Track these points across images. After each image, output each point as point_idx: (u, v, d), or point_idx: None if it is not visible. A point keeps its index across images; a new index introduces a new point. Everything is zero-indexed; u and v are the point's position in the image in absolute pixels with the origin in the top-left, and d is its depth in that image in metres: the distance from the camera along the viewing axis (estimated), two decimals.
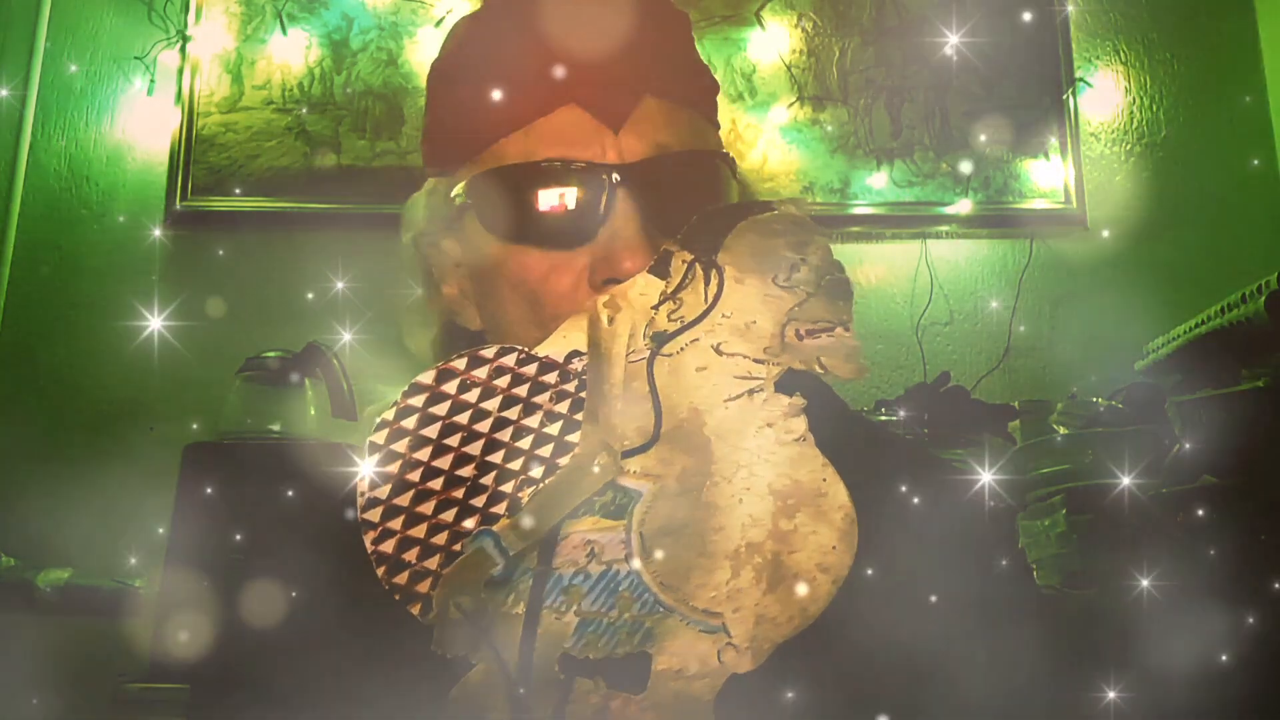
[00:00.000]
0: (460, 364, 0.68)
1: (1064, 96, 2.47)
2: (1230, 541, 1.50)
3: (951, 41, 2.47)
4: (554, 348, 0.70)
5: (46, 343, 2.29)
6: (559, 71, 0.83)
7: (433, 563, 0.65)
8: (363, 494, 0.66)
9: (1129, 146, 2.50)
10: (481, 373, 0.68)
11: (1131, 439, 1.82)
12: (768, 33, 2.50)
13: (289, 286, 2.30)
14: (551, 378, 0.68)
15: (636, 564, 0.65)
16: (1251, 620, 1.41)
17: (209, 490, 1.80)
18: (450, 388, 0.67)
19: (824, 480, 0.67)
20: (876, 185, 2.44)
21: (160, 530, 1.85)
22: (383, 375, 0.65)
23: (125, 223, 2.37)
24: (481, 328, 0.90)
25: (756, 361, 0.69)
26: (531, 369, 0.68)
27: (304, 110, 2.41)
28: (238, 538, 1.63)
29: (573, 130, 0.83)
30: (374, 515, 0.65)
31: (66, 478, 2.17)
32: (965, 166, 2.43)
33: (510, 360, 0.68)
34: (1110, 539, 1.65)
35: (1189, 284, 2.24)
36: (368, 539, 0.65)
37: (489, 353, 0.68)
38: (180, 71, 2.41)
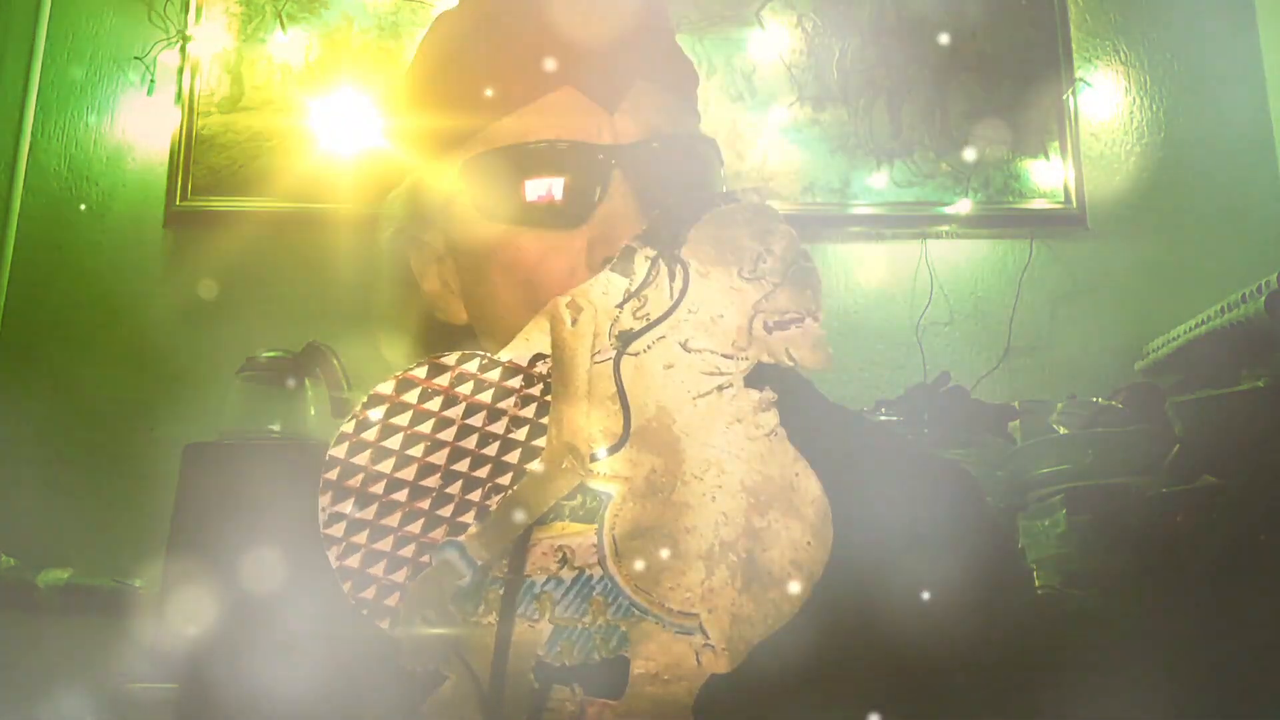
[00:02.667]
0: (420, 372, 0.67)
1: (1064, 96, 2.46)
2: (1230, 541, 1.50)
3: (951, 41, 2.46)
4: (517, 351, 0.68)
5: (46, 343, 2.29)
6: (553, 54, 0.83)
7: (400, 576, 0.64)
8: (324, 509, 0.65)
9: (1129, 146, 2.49)
10: (443, 380, 0.67)
11: (1131, 439, 1.82)
12: (768, 33, 2.49)
13: (289, 287, 2.30)
14: (516, 382, 0.67)
15: (609, 567, 0.64)
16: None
17: (209, 490, 1.80)
18: (411, 397, 0.66)
19: (796, 474, 0.66)
20: (876, 185, 2.43)
21: (160, 530, 1.85)
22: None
23: (125, 223, 2.37)
24: (467, 322, 0.89)
25: (724, 357, 0.68)
26: (495, 374, 0.67)
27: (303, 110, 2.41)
28: (237, 538, 1.62)
29: (568, 111, 0.82)
30: (337, 530, 0.65)
31: (66, 478, 2.17)
32: (968, 154, 2.43)
33: (473, 366, 0.67)
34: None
35: (1189, 284, 2.23)
36: (331, 554, 0.64)
37: (450, 360, 0.67)
38: (180, 71, 2.41)
